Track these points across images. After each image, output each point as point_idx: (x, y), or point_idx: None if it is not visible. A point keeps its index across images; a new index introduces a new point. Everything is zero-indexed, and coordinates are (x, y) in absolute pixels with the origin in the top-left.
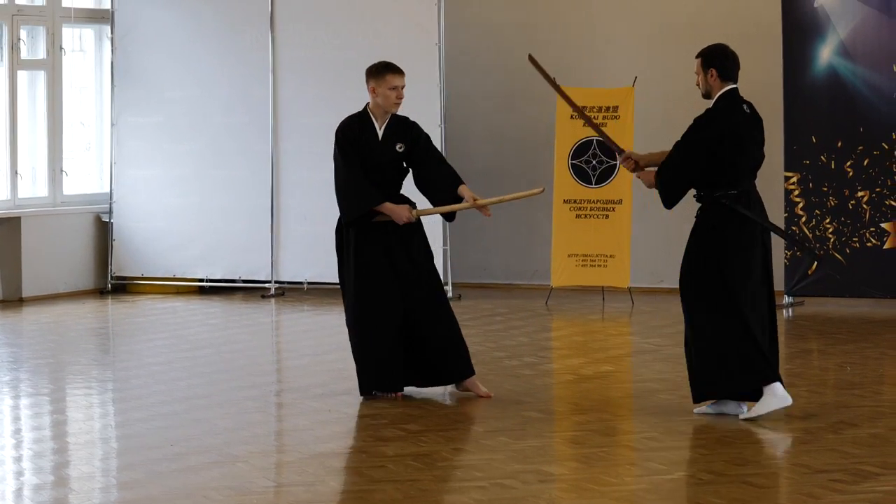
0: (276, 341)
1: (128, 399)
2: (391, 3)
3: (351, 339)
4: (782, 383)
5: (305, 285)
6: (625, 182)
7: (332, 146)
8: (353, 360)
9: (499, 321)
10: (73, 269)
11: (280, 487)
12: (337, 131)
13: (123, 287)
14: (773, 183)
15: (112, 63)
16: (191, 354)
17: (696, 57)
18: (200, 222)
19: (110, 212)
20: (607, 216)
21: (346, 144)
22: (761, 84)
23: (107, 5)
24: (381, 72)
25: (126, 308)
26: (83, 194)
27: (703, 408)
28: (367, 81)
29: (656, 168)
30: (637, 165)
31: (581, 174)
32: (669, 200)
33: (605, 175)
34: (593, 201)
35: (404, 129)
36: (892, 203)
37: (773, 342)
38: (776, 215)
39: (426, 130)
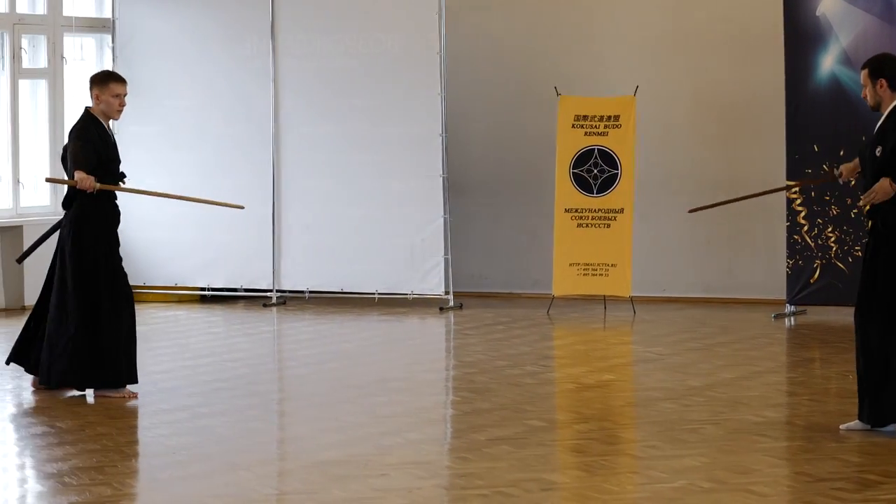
0: (277, 350)
1: (130, 407)
2: (392, 13)
3: (123, 328)
4: None
5: (307, 294)
6: (627, 191)
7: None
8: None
9: (500, 330)
10: None
11: (282, 495)
12: (77, 129)
13: None
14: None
15: None
16: (192, 363)
17: (862, 68)
18: (202, 231)
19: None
20: (609, 225)
21: (90, 139)
22: (763, 93)
23: (108, 14)
24: (105, 80)
25: None
26: None
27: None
28: (91, 89)
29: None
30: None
31: (582, 183)
32: None
33: (606, 184)
34: (595, 210)
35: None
36: None
37: None
38: (778, 224)
39: (428, 140)
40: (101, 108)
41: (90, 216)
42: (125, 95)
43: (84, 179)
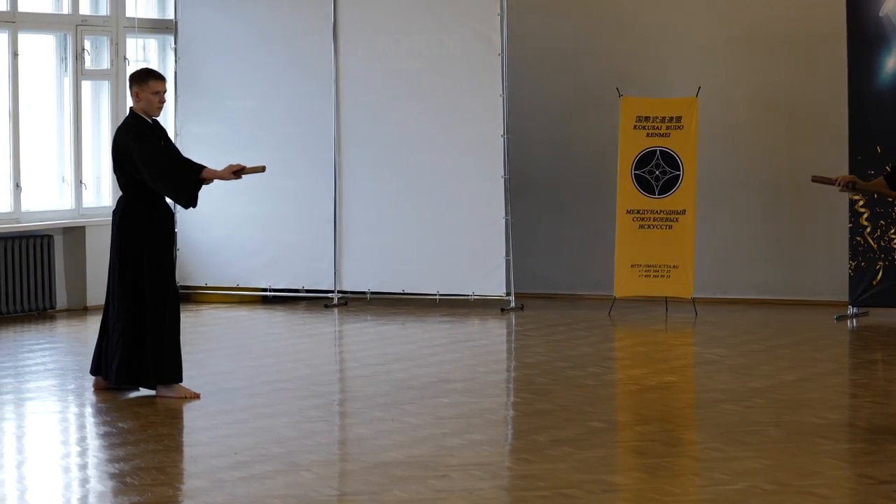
0: (339, 351)
1: (191, 408)
2: (454, 14)
3: (166, 326)
4: None
5: (368, 295)
6: (688, 192)
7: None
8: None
9: (562, 331)
10: None
11: (343, 496)
12: (129, 129)
13: (188, 296)
14: (837, 193)
15: (175, 73)
16: (254, 363)
17: None
18: (264, 232)
19: (174, 221)
20: (671, 226)
21: (148, 136)
22: (825, 93)
23: (170, 16)
24: (144, 77)
25: (190, 317)
26: None
27: None
28: (131, 88)
29: None
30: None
31: (644, 184)
32: None
33: (668, 185)
34: (656, 212)
35: (160, 129)
36: None
37: None
38: (841, 225)
39: (490, 141)
40: (141, 105)
41: (138, 217)
42: (164, 92)
43: (219, 172)
